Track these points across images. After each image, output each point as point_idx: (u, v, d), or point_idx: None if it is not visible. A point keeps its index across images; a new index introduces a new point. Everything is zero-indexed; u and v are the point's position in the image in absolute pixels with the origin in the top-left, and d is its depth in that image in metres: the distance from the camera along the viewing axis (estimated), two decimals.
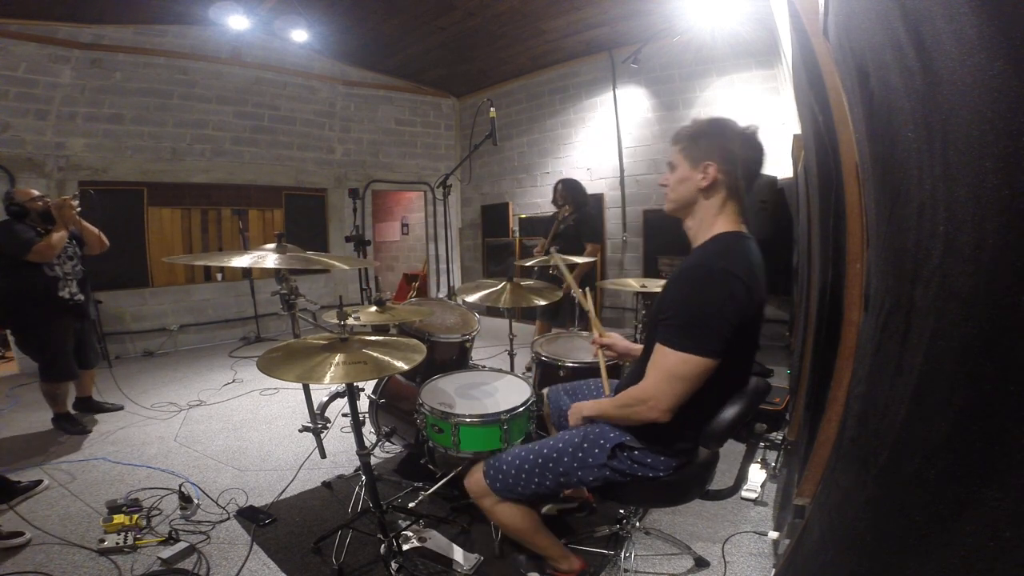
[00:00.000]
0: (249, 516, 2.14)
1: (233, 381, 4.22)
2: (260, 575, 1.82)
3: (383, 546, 1.77)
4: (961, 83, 0.46)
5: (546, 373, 2.35)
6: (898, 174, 0.66)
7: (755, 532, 2.01)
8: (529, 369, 3.34)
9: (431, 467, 2.08)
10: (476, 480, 1.56)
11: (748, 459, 1.56)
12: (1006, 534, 0.43)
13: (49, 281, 2.94)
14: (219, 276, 5.78)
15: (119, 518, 2.04)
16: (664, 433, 1.35)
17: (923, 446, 0.55)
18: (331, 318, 1.99)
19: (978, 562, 0.46)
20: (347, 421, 1.84)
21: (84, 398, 3.41)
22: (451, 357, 2.49)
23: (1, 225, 2.85)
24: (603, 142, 5.83)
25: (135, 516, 2.07)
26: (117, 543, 1.93)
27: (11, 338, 3.56)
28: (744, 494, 2.22)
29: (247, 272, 5.68)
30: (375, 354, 1.58)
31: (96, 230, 3.19)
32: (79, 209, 3.02)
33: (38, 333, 3.00)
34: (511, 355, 2.70)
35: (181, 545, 1.92)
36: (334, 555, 1.86)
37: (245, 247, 5.32)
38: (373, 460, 2.56)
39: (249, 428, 3.21)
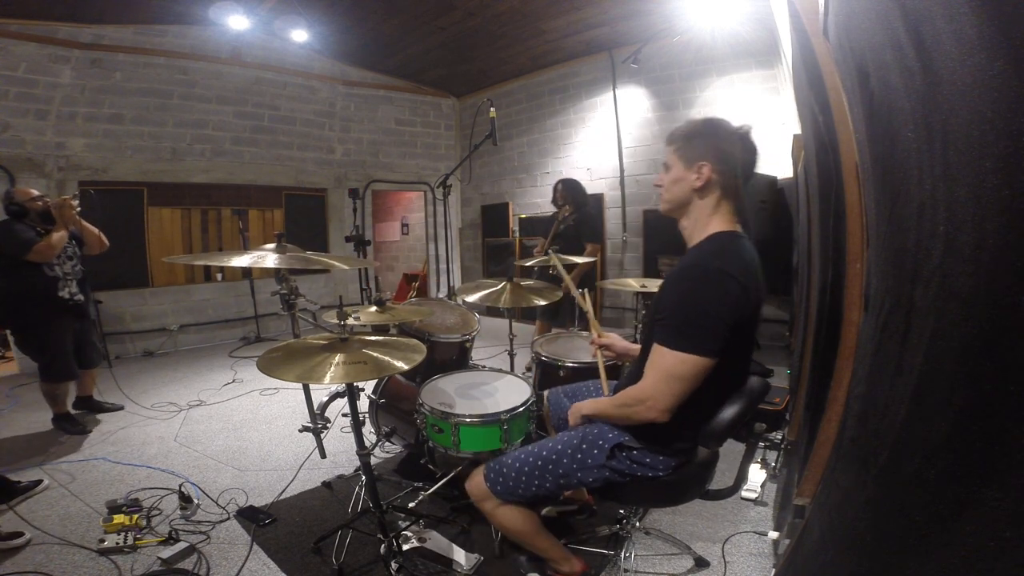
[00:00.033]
0: (249, 516, 2.14)
1: (233, 381, 4.22)
2: (260, 575, 1.82)
3: (383, 546, 1.77)
4: (961, 83, 0.46)
5: (546, 373, 2.36)
6: (898, 174, 0.66)
7: (755, 532, 2.01)
8: (529, 369, 3.34)
9: (431, 467, 2.09)
10: (477, 483, 1.56)
11: (748, 459, 1.56)
12: (1006, 534, 0.43)
13: (49, 281, 2.94)
14: (219, 276, 5.78)
15: (119, 518, 2.04)
16: (662, 433, 1.35)
17: (923, 446, 0.55)
18: (331, 318, 1.99)
19: (978, 562, 0.46)
20: (347, 421, 1.84)
21: (85, 397, 3.41)
22: (451, 357, 2.49)
23: (1, 225, 2.85)
24: (603, 142, 5.83)
25: (135, 516, 2.07)
26: (117, 543, 1.93)
27: (11, 338, 3.56)
28: (744, 494, 2.22)
29: (247, 272, 5.68)
30: (375, 354, 1.58)
31: (96, 230, 3.19)
32: (79, 209, 3.02)
33: (38, 333, 3.01)
34: (511, 355, 2.70)
35: (181, 545, 1.93)
36: (334, 555, 1.86)
37: (245, 247, 5.32)
38: (373, 460, 2.56)
39: (249, 428, 3.21)
